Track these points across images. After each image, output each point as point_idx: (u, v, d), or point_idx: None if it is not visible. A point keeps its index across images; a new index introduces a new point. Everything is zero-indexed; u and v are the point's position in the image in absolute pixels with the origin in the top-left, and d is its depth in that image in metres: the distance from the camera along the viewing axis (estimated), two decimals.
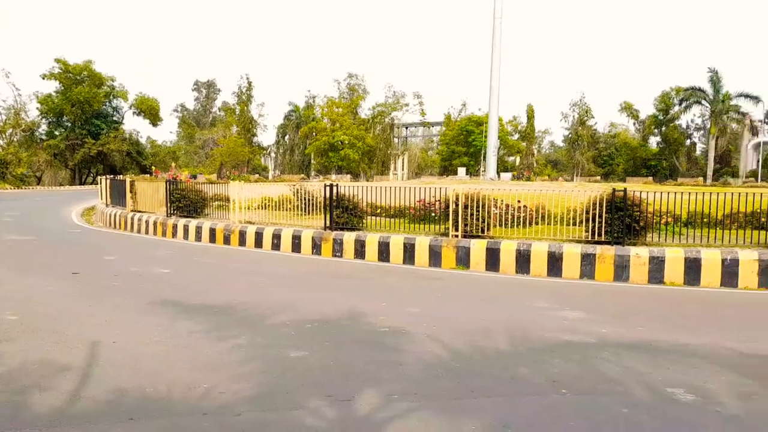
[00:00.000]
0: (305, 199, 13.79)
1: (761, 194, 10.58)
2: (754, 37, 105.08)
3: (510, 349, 5.55)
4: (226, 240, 13.92)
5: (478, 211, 10.91)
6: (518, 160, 63.57)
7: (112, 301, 7.44)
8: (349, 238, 11.91)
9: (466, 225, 10.98)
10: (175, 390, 4.36)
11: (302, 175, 56.24)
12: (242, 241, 13.61)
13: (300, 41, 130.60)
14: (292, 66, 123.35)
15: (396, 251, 11.30)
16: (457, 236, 10.98)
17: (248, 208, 15.00)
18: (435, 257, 10.93)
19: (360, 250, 11.73)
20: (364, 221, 12.78)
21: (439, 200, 12.19)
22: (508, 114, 69.38)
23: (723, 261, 9.12)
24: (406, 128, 74.31)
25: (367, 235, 11.84)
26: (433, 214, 12.35)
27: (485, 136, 49.86)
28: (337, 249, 12.01)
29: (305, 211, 13.69)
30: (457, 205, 11.03)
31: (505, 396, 4.39)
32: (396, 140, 67.73)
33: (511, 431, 3.77)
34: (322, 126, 59.14)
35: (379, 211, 13.66)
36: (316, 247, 12.29)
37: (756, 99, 51.24)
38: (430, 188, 12.79)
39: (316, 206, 13.47)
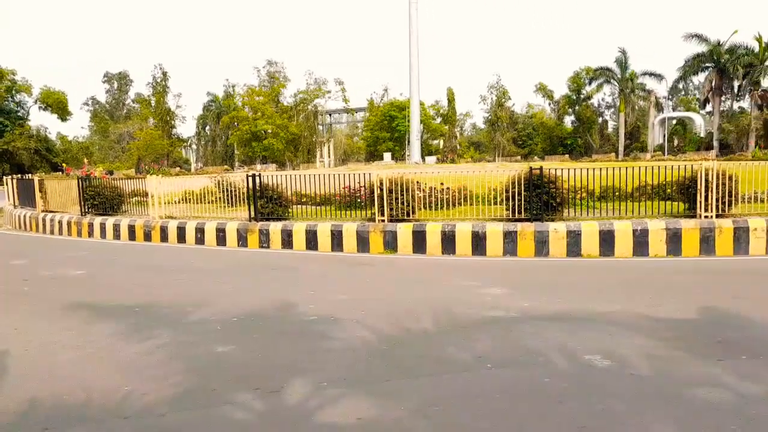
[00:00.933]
0: (228, 191, 13.48)
1: (665, 167, 11.21)
2: (656, 16, 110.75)
3: (437, 328, 5.66)
4: (147, 236, 13.41)
5: (402, 194, 11.01)
6: (442, 143, 64.60)
7: (22, 308, 7.02)
8: (275, 228, 11.75)
9: (391, 209, 11.06)
10: (94, 395, 4.17)
11: (226, 167, 54.90)
12: (164, 237, 13.15)
13: (215, 29, 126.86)
14: (208, 55, 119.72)
15: (324, 239, 11.24)
16: (383, 221, 11.05)
17: (169, 203, 14.50)
18: (363, 243, 10.95)
19: (287, 240, 11.59)
20: (290, 210, 12.63)
21: (365, 186, 12.20)
22: (430, 98, 70.46)
23: (634, 232, 9.62)
24: (330, 115, 73.95)
25: (294, 224, 11.72)
26: (359, 200, 12.36)
27: (408, 121, 50.31)
28: (264, 240, 11.82)
29: (229, 203, 13.39)
30: (382, 190, 11.08)
31: (433, 375, 4.46)
32: (320, 128, 67.28)
33: (438, 409, 3.85)
34: (244, 115, 57.90)
35: (305, 199, 13.53)
36: (242, 240, 12.05)
37: (659, 77, 54.22)
38: (355, 174, 12.78)
39: (240, 198, 13.19)
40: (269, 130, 56.19)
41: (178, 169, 53.52)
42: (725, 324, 5.54)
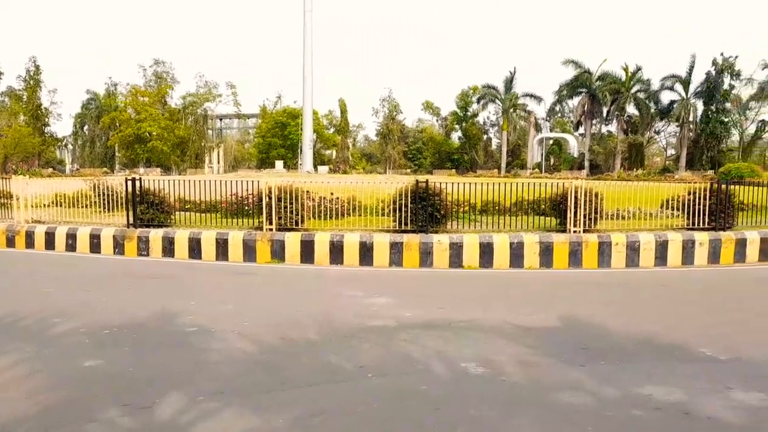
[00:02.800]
0: (106, 195, 12.69)
1: (540, 184, 11.96)
2: (539, 41, 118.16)
3: (321, 338, 5.65)
4: (10, 242, 12.32)
5: (291, 203, 10.92)
6: (334, 153, 64.88)
7: None
8: (155, 235, 11.21)
9: (280, 218, 10.93)
10: None
11: (105, 169, 51.71)
12: (30, 243, 12.14)
13: (98, 24, 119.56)
14: (88, 50, 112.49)
15: (208, 247, 10.88)
16: (271, 230, 10.89)
17: (38, 207, 13.43)
18: (249, 252, 10.73)
19: (169, 248, 11.11)
20: (173, 217, 12.12)
21: (253, 194, 11.98)
22: (323, 108, 70.35)
23: (511, 245, 10.17)
24: (221, 120, 71.89)
25: (177, 231, 11.25)
26: (246, 208, 12.11)
27: (301, 130, 50.07)
28: (143, 247, 11.24)
29: (106, 208, 12.60)
30: (270, 198, 10.93)
31: (315, 385, 4.45)
32: (210, 132, 65.22)
33: (318, 420, 3.84)
34: (126, 116, 54.90)
35: (189, 206, 13.04)
36: (119, 247, 11.38)
37: (539, 99, 57.96)
38: (244, 182, 12.51)
39: (118, 202, 12.47)
40: (154, 133, 53.66)
41: (50, 170, 49.67)
42: (589, 331, 5.97)
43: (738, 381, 4.49)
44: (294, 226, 10.94)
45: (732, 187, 11.57)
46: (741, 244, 10.65)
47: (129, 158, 57.21)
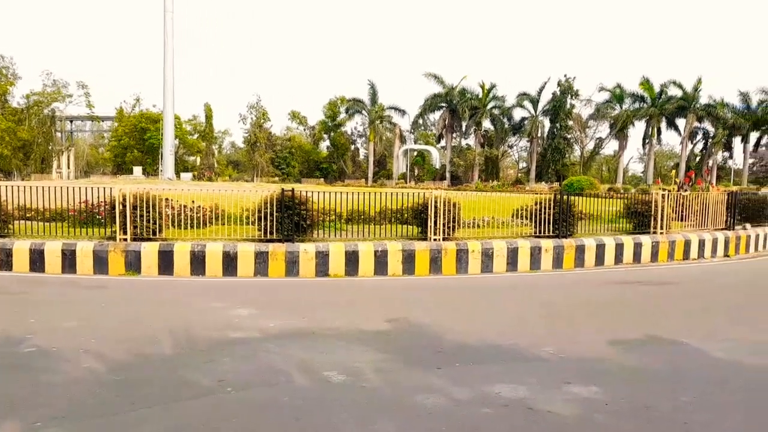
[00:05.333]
0: None
1: (403, 194, 12.36)
2: (405, 55, 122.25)
3: (178, 352, 5.41)
4: None
5: (148, 212, 10.36)
6: (199, 160, 62.45)
7: None
8: None
9: (135, 227, 10.32)
10: None
11: None
12: None
13: None
14: None
15: (53, 259, 10.00)
16: (126, 240, 10.24)
17: None
18: (101, 264, 10.01)
19: (5, 261, 10.05)
20: (11, 227, 10.99)
21: (106, 201, 11.20)
22: (187, 112, 67.62)
23: (376, 252, 10.40)
24: (72, 122, 66.57)
25: (15, 242, 10.22)
26: (98, 217, 11.29)
27: (162, 134, 47.67)
28: None
29: None
30: (125, 206, 10.28)
31: (171, 402, 4.25)
32: (59, 135, 60.04)
33: None
34: None
35: (32, 214, 11.89)
36: None
37: (403, 112, 59.95)
38: (97, 188, 11.64)
39: None
40: None
41: None
42: (445, 335, 6.25)
43: (576, 376, 4.93)
44: (151, 236, 10.38)
45: (573, 198, 12.70)
46: (580, 250, 11.72)
47: None
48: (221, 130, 70.96)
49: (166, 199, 11.24)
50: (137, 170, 50.33)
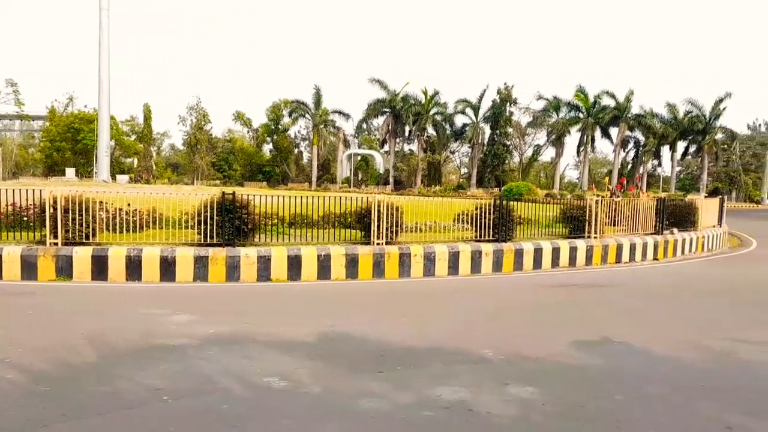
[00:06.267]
0: None
1: (347, 198, 12.32)
2: (348, 61, 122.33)
3: (111, 361, 5.22)
4: None
5: (81, 215, 9.95)
6: (136, 162, 60.49)
7: None
8: None
9: (67, 231, 9.90)
10: None
11: None
12: None
13: None
14: None
15: None
16: (56, 244, 9.80)
17: None
18: (29, 269, 9.54)
19: None
20: None
21: (35, 204, 10.68)
22: (123, 113, 65.24)
23: (319, 257, 10.33)
24: None
25: None
26: (27, 220, 10.76)
27: (97, 135, 45.97)
28: None
29: None
30: (55, 209, 9.84)
31: (103, 414, 4.09)
32: None
33: None
34: None
35: None
36: None
37: (347, 116, 59.90)
38: (26, 190, 11.08)
39: None
40: None
41: None
42: (387, 339, 6.26)
43: (513, 378, 5.04)
44: (84, 240, 9.97)
45: (512, 203, 13.00)
46: (519, 254, 12.00)
47: None
48: (160, 132, 69.12)
49: (101, 202, 10.82)
50: (70, 172, 48.31)
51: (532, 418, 4.19)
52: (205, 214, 10.27)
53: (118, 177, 48.96)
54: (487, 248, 11.65)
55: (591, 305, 8.90)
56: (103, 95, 42.08)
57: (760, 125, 75.79)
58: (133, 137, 61.66)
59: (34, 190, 10.93)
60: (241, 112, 65.02)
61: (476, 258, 11.50)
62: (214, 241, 10.24)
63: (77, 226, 9.93)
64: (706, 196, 22.30)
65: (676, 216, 16.03)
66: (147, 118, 59.64)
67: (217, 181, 56.63)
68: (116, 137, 56.63)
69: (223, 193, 10.49)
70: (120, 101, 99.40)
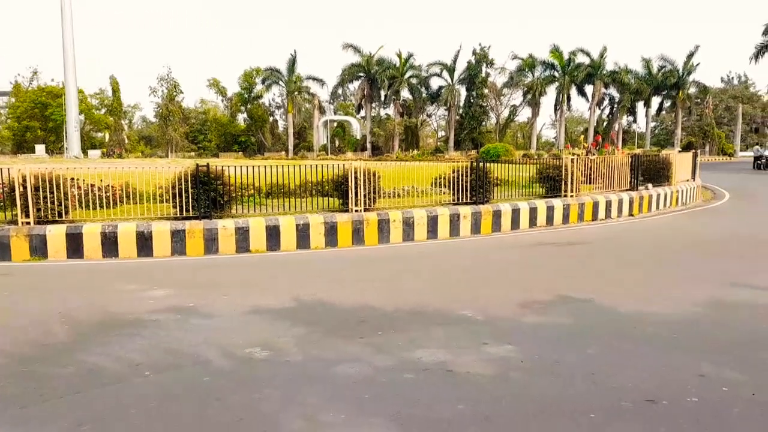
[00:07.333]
0: None
1: (324, 166, 12.25)
2: (322, 25, 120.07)
3: (88, 340, 5.18)
4: None
5: (53, 193, 9.77)
6: (108, 136, 59.32)
7: None
8: None
9: (39, 210, 9.72)
10: None
11: None
12: None
13: None
14: None
15: None
16: (28, 223, 9.63)
17: None
18: (2, 250, 9.38)
19: None
20: None
21: (5, 183, 10.45)
22: (92, 86, 63.80)
23: (297, 226, 10.30)
24: None
25: None
26: None
27: (65, 110, 44.87)
28: None
29: None
30: (26, 187, 9.65)
31: (86, 391, 4.09)
32: None
33: (87, 428, 3.54)
34: None
35: None
36: None
37: (322, 82, 59.15)
38: None
39: None
40: None
41: None
42: (368, 305, 6.29)
43: (492, 337, 5.13)
44: (57, 218, 9.82)
45: (489, 165, 13.03)
46: (497, 216, 12.09)
47: None
48: (131, 105, 67.78)
49: (72, 179, 10.63)
50: (40, 149, 47.29)
51: (511, 375, 4.28)
52: (180, 187, 10.14)
53: (90, 152, 48.06)
54: (465, 211, 11.71)
55: (567, 263, 9.03)
56: (69, 68, 40.95)
57: (732, 78, 76.73)
58: (103, 111, 60.34)
59: (2, 169, 10.68)
60: (216, 80, 63.83)
61: (455, 221, 11.56)
62: (191, 215, 10.15)
63: (49, 204, 9.75)
64: (679, 151, 22.57)
65: (651, 172, 16.23)
66: (115, 90, 58.31)
67: (192, 153, 55.90)
68: (85, 111, 55.42)
69: (197, 165, 10.35)
70: (88, 74, 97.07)
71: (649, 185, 15.77)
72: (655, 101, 59.16)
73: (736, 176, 29.67)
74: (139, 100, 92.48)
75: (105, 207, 10.71)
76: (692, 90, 57.91)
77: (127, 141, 59.96)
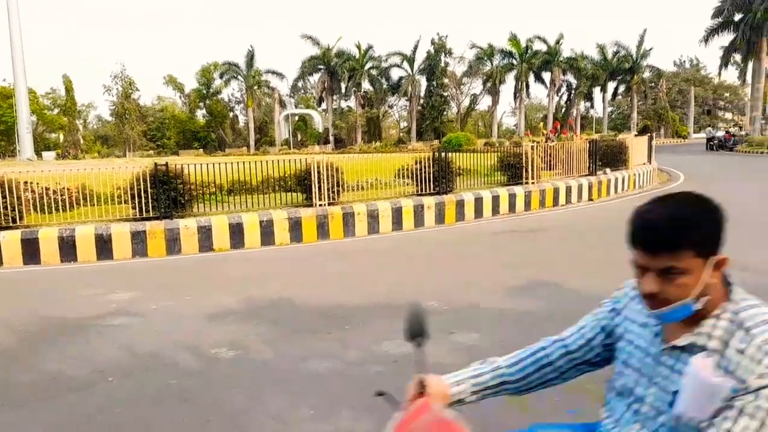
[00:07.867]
0: None
1: (286, 161, 12.14)
2: (280, 18, 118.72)
3: (51, 346, 5.07)
4: None
5: (5, 197, 9.46)
6: (62, 136, 57.61)
7: None
8: None
9: None
10: None
11: None
12: None
13: None
14: None
15: None
16: None
17: None
18: None
19: None
20: None
21: None
22: (43, 86, 61.78)
23: (261, 223, 10.21)
24: None
25: None
26: None
27: (16, 111, 43.39)
28: None
29: None
30: None
31: (49, 399, 4.00)
32: None
33: None
34: None
35: None
36: None
37: (281, 75, 58.72)
38: None
39: None
40: None
41: None
42: (335, 300, 6.29)
43: (459, 326, 5.19)
44: (11, 224, 9.52)
45: (451, 155, 13.13)
46: (460, 205, 12.20)
47: None
48: (85, 104, 65.87)
49: (26, 182, 10.32)
50: None
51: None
52: (139, 187, 9.95)
53: (44, 154, 46.69)
54: (429, 201, 11.78)
55: (530, 249, 9.19)
56: (19, 68, 39.61)
57: (684, 62, 78.74)
58: (56, 111, 58.57)
59: None
60: (173, 76, 62.53)
61: (419, 212, 11.62)
62: (151, 215, 9.97)
63: (1, 210, 9.45)
64: (636, 135, 23.09)
65: (608, 156, 16.57)
66: (68, 89, 56.56)
67: (151, 152, 54.74)
68: (37, 112, 53.76)
69: (156, 164, 10.16)
70: (39, 74, 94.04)
71: (607, 170, 16.11)
72: (611, 86, 60.32)
73: (690, 158, 30.52)
74: (94, 99, 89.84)
75: (61, 210, 10.43)
76: (647, 74, 59.24)
77: (82, 141, 58.32)
